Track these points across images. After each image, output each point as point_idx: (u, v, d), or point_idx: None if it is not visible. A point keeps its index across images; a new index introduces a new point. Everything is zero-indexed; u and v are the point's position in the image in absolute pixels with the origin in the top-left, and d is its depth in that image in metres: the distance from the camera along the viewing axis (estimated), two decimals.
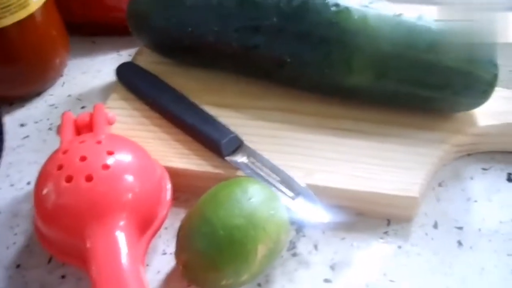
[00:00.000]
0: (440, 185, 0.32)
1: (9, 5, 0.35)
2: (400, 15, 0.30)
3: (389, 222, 0.30)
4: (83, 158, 0.25)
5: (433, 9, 0.31)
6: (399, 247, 0.29)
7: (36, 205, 0.26)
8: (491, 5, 0.29)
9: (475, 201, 0.31)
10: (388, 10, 0.31)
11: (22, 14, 0.36)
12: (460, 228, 0.30)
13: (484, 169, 0.33)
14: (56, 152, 0.27)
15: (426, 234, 0.29)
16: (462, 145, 0.33)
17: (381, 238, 0.29)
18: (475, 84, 0.30)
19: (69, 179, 0.24)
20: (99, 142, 0.26)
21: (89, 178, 0.24)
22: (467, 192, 0.32)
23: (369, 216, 0.30)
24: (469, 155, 0.34)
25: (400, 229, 0.30)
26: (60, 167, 0.25)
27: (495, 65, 0.31)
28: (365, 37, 0.30)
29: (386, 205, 0.29)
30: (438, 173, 0.32)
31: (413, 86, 0.31)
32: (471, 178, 0.33)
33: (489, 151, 0.34)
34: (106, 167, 0.25)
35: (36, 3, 0.37)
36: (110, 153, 0.26)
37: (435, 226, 0.30)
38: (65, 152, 0.26)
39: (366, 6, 0.30)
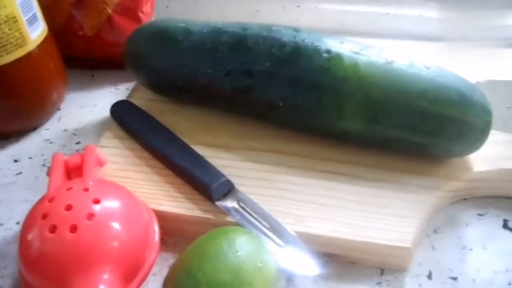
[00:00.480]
0: (435, 231, 0.32)
1: (5, 45, 0.35)
2: (391, 62, 0.30)
3: (382, 272, 0.29)
4: (68, 207, 0.25)
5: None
6: None
7: (21, 252, 0.26)
8: None
9: (470, 249, 0.31)
10: (379, 57, 0.31)
11: (19, 53, 0.37)
12: (455, 278, 0.29)
13: (480, 214, 0.33)
14: (42, 199, 0.27)
15: (420, 285, 0.29)
16: (457, 191, 0.32)
17: None
18: (468, 131, 0.30)
19: (53, 229, 0.24)
20: (86, 189, 0.26)
21: (73, 229, 0.24)
22: (463, 239, 0.31)
23: (361, 265, 0.29)
24: (465, 199, 0.34)
25: (393, 279, 0.29)
26: (45, 216, 0.25)
27: (488, 112, 0.30)
28: (355, 83, 0.30)
29: (379, 255, 0.29)
30: (433, 218, 0.32)
31: (405, 132, 0.31)
32: (467, 225, 0.32)
33: (485, 195, 0.34)
34: (91, 216, 0.25)
35: (34, 42, 0.38)
36: (97, 201, 0.25)
37: (429, 276, 0.29)
38: (51, 200, 0.26)
39: (357, 53, 0.30)
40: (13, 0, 0.34)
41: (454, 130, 0.30)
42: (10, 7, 0.34)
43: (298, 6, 0.55)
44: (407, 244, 0.28)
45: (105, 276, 0.24)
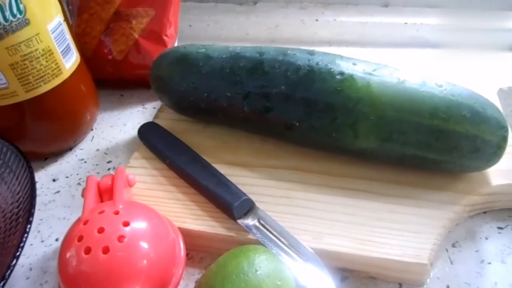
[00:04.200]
0: (453, 245, 0.32)
1: (43, 76, 0.38)
2: (403, 81, 0.31)
3: (400, 286, 0.30)
4: (101, 230, 0.27)
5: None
6: None
7: (60, 270, 0.28)
8: None
9: (489, 263, 0.31)
10: (392, 77, 0.31)
11: (55, 82, 0.39)
12: None
13: (500, 227, 0.33)
14: (78, 221, 0.29)
15: None
16: (474, 205, 0.33)
17: None
18: (483, 147, 0.30)
19: (87, 250, 0.26)
20: (116, 213, 0.28)
21: (105, 250, 0.26)
22: (481, 253, 0.32)
23: (380, 280, 0.30)
24: (484, 212, 0.34)
25: None
26: (80, 238, 0.27)
27: (503, 127, 0.31)
28: (368, 103, 0.31)
29: (396, 270, 0.29)
30: (452, 232, 0.32)
31: (419, 150, 0.31)
32: (486, 238, 0.32)
33: (505, 208, 0.34)
34: (122, 237, 0.27)
35: (68, 70, 0.40)
36: (126, 223, 0.28)
37: None
38: (85, 223, 0.28)
39: (370, 74, 0.31)
40: (48, 34, 0.37)
41: (468, 146, 0.30)
42: (46, 41, 0.37)
43: (316, 20, 0.56)
44: (423, 260, 0.29)
45: None
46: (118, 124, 0.48)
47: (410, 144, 0.31)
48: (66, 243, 0.28)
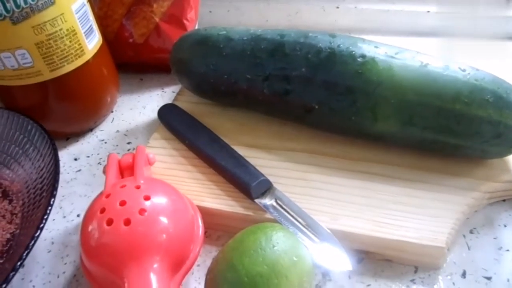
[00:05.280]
0: (471, 232, 0.32)
1: (66, 56, 0.39)
2: (426, 65, 0.31)
3: (416, 270, 0.30)
4: (123, 203, 0.28)
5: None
6: None
7: (82, 242, 0.29)
8: None
9: (507, 250, 0.31)
10: (414, 60, 0.31)
11: (78, 63, 0.40)
12: (489, 278, 0.29)
13: None
14: (100, 195, 0.30)
15: (454, 283, 0.29)
16: (494, 192, 0.32)
17: (408, 286, 0.29)
18: (505, 133, 0.30)
19: (109, 222, 0.27)
20: (138, 187, 0.29)
21: (127, 222, 0.27)
22: (499, 240, 0.31)
23: (396, 263, 0.30)
24: (503, 200, 0.34)
25: (427, 277, 0.30)
26: (102, 210, 0.28)
27: None
28: (390, 87, 0.31)
29: (413, 253, 0.30)
30: (470, 219, 0.32)
31: (440, 134, 0.31)
32: (505, 226, 0.32)
33: None
34: (143, 211, 0.27)
35: (91, 51, 0.41)
36: (147, 198, 0.28)
37: (463, 275, 0.30)
38: (107, 196, 0.29)
39: (392, 57, 0.31)
40: (73, 14, 0.38)
41: (490, 132, 0.30)
42: (70, 21, 0.38)
43: (337, 7, 0.56)
44: (440, 243, 0.29)
45: (155, 265, 0.26)
46: (138, 107, 0.48)
47: (431, 129, 0.31)
48: (88, 215, 0.29)
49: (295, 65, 0.33)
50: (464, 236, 0.32)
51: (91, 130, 0.46)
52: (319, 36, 0.34)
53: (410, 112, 0.31)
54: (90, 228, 0.28)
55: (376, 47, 0.32)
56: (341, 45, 0.33)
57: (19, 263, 0.29)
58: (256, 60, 0.35)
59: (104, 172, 0.33)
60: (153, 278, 0.26)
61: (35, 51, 0.37)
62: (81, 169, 0.42)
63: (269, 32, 0.36)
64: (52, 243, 0.35)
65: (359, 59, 0.31)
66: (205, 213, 0.32)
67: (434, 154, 0.33)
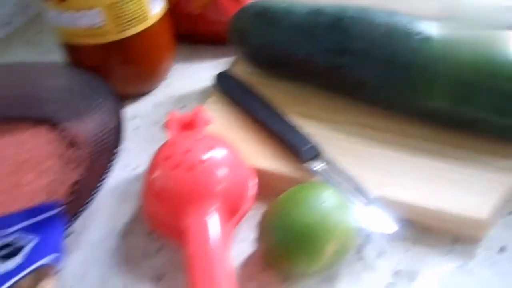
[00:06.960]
0: (510, 213, 0.33)
1: (132, 20, 0.42)
2: (483, 44, 0.32)
3: (455, 241, 0.31)
4: (186, 152, 0.30)
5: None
6: (461, 266, 0.30)
7: (146, 187, 0.32)
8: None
9: None
10: (472, 39, 0.32)
11: (141, 27, 0.43)
12: None
13: None
14: (164, 145, 0.32)
15: (490, 258, 0.30)
16: None
17: (445, 255, 0.31)
18: None
19: (174, 167, 0.30)
20: (199, 140, 0.31)
21: (190, 169, 0.29)
22: None
23: (436, 232, 0.32)
24: None
25: (465, 249, 0.31)
26: (167, 157, 0.30)
27: None
28: (446, 64, 0.31)
29: (454, 224, 0.31)
30: (509, 202, 0.33)
31: (492, 114, 0.32)
32: None
33: None
34: (205, 160, 0.30)
35: (153, 18, 0.44)
36: (209, 148, 0.31)
37: (501, 250, 0.31)
38: (171, 145, 0.31)
39: (450, 35, 0.32)
40: None
41: None
42: None
43: None
44: (483, 215, 0.30)
45: (212, 209, 0.29)
46: (191, 76, 0.51)
47: (484, 108, 0.32)
48: (154, 161, 0.31)
49: (352, 39, 0.34)
50: (503, 217, 0.32)
51: (145, 94, 0.49)
52: (377, 12, 0.35)
53: (465, 91, 0.32)
54: (155, 172, 0.31)
55: (434, 25, 0.33)
56: (399, 22, 0.34)
57: (87, 202, 0.32)
58: (314, 33, 0.36)
59: (166, 126, 0.36)
60: (211, 219, 0.28)
61: (108, 11, 0.40)
62: (139, 127, 0.45)
63: (328, 6, 0.37)
64: (114, 190, 0.38)
65: (416, 36, 0.32)
66: (256, 173, 0.34)
67: (482, 134, 0.34)
